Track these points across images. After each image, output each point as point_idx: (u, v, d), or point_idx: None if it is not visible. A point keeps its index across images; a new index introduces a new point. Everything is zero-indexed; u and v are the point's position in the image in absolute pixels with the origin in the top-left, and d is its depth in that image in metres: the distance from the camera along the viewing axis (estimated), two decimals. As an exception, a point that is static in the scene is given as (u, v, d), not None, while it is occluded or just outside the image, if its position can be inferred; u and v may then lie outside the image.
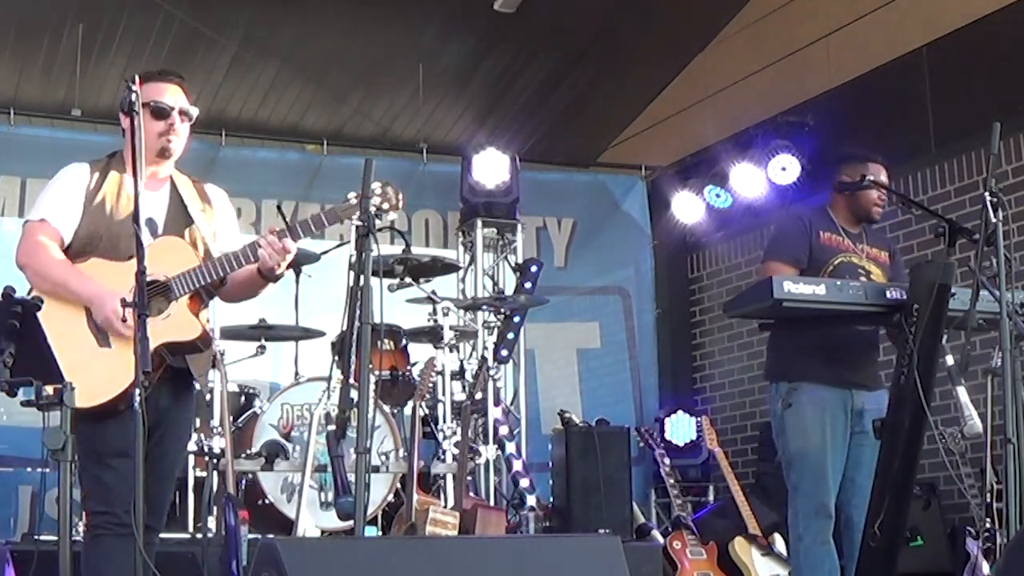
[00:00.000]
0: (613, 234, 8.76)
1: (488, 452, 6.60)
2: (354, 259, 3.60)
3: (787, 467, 4.68)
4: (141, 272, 3.28)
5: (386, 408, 6.13)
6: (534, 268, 7.41)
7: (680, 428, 8.03)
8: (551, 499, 6.93)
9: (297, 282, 6.49)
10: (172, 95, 3.77)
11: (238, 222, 4.09)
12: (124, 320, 3.46)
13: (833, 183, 4.92)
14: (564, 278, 8.61)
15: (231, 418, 5.63)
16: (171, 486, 3.93)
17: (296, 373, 6.43)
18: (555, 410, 7.45)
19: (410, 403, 5.85)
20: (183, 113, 3.77)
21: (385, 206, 3.72)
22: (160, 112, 3.73)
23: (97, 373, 3.48)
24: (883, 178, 4.83)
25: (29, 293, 3.58)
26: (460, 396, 6.37)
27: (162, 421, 3.65)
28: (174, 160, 3.83)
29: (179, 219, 3.78)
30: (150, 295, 3.49)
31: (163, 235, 3.72)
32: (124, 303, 3.38)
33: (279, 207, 3.76)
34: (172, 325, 3.60)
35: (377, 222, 3.69)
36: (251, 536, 4.70)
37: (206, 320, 3.82)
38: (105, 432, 3.49)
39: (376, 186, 3.71)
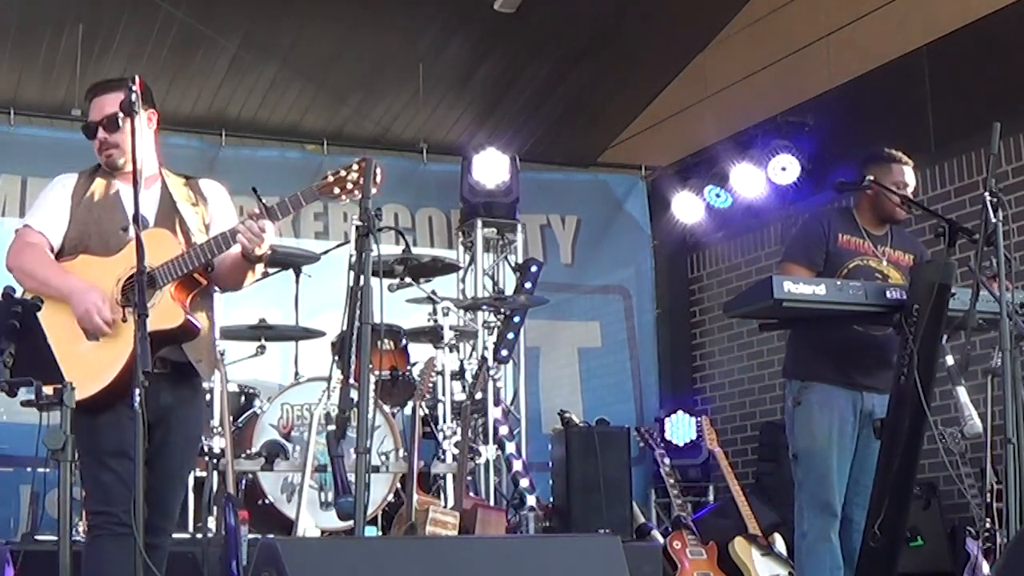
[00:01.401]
0: (615, 233, 8.77)
1: (488, 452, 6.60)
2: (354, 259, 3.60)
3: (794, 464, 4.71)
4: (141, 272, 3.29)
5: (386, 408, 6.13)
6: (534, 268, 7.41)
7: (680, 428, 8.03)
8: (551, 499, 6.94)
9: (297, 282, 6.49)
10: (97, 108, 3.73)
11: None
12: (104, 318, 3.50)
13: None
14: (571, 275, 8.62)
15: (231, 418, 5.63)
16: (179, 486, 3.90)
17: (296, 373, 6.43)
18: (555, 409, 7.45)
19: (410, 403, 5.85)
20: (110, 120, 3.70)
21: (357, 179, 3.60)
22: (88, 131, 3.77)
23: (85, 365, 3.47)
24: (909, 181, 4.82)
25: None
26: (460, 396, 6.38)
27: (164, 419, 3.62)
28: (141, 161, 3.68)
29: (169, 215, 3.77)
30: (135, 286, 3.46)
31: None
32: (124, 303, 3.39)
33: (254, 188, 3.73)
34: (155, 314, 3.50)
35: (354, 196, 3.60)
36: (251, 536, 4.70)
37: (204, 310, 3.77)
38: (99, 431, 3.48)
39: (352, 164, 3.63)
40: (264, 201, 3.66)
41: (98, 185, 3.77)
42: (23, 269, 3.68)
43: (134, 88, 3.46)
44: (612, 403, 8.32)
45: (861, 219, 4.83)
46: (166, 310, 3.59)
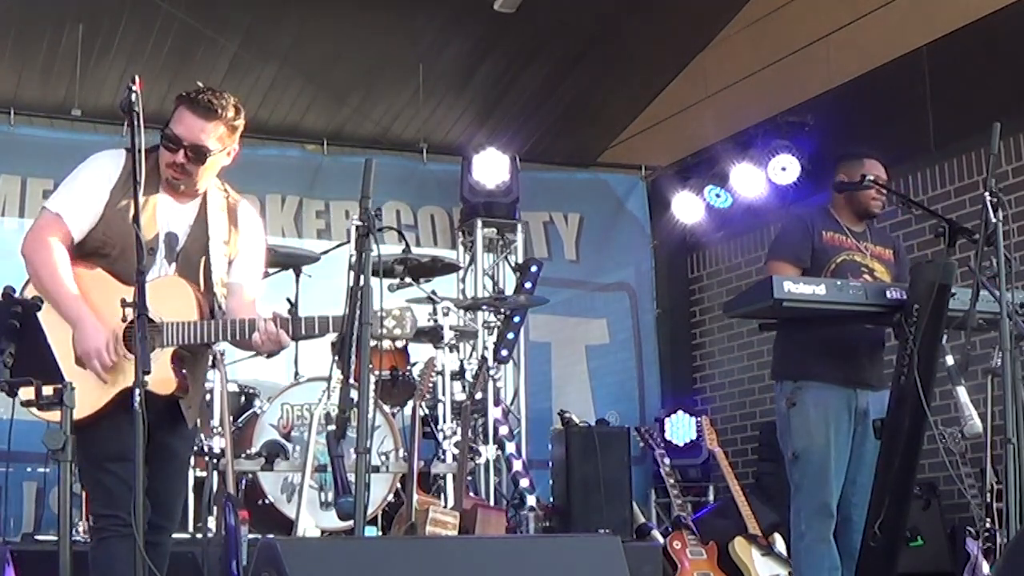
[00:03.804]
0: (617, 232, 8.77)
1: (488, 452, 6.60)
2: (354, 259, 3.60)
3: (790, 466, 4.69)
4: (140, 272, 3.25)
5: (386, 408, 6.13)
6: (534, 268, 7.41)
7: (680, 428, 8.03)
8: (551, 499, 6.93)
9: (297, 282, 6.49)
10: (190, 128, 3.58)
11: None
12: (104, 364, 3.44)
13: (832, 183, 4.92)
14: (578, 272, 8.63)
15: (231, 418, 5.63)
16: (181, 485, 3.93)
17: (296, 373, 6.43)
18: (566, 405, 7.44)
19: (410, 403, 5.85)
20: (199, 151, 3.59)
21: (397, 332, 3.66)
22: (170, 141, 3.59)
23: (82, 387, 3.34)
24: (880, 174, 4.83)
25: (24, 286, 3.54)
26: (460, 396, 6.38)
27: (163, 422, 3.58)
28: (201, 183, 3.70)
29: (200, 241, 3.68)
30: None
31: (181, 253, 3.64)
32: (124, 303, 3.37)
33: (289, 300, 3.77)
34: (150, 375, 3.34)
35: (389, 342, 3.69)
36: (251, 536, 4.69)
37: (200, 364, 3.77)
38: (99, 436, 3.44)
39: (396, 309, 3.66)
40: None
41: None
42: (37, 272, 3.53)
43: (134, 88, 3.42)
44: (619, 401, 8.33)
45: (840, 217, 4.85)
46: (160, 377, 3.48)
